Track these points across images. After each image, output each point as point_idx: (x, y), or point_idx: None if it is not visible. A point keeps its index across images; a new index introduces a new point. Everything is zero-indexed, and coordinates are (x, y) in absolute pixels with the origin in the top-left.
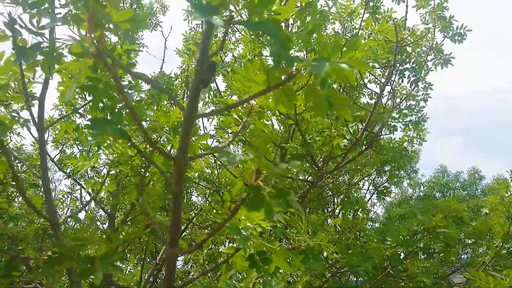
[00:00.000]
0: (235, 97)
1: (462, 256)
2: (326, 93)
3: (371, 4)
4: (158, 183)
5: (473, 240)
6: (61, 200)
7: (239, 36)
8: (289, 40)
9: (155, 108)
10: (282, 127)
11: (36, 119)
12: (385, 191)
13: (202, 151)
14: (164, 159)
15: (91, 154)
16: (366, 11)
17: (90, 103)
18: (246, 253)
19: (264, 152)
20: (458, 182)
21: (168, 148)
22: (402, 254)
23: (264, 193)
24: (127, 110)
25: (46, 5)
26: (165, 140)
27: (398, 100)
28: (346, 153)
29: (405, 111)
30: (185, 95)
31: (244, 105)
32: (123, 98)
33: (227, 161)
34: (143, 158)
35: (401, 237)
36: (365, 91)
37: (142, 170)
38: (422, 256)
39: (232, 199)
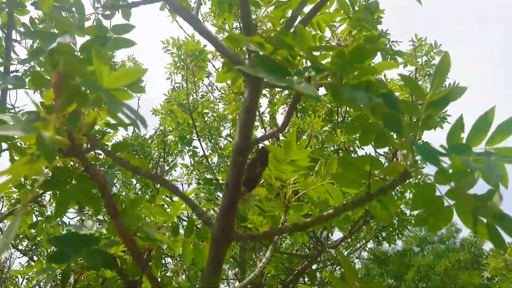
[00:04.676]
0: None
1: None
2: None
3: None
4: None
5: None
6: None
7: (218, 94)
8: (416, 109)
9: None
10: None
11: None
12: (383, 258)
13: None
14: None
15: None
16: None
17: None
18: None
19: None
20: (436, 236)
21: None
22: None
23: None
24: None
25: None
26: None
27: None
28: (356, 224)
29: None
30: (162, 160)
31: (281, 199)
32: (110, 211)
33: None
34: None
35: None
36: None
37: None
38: None
39: None
